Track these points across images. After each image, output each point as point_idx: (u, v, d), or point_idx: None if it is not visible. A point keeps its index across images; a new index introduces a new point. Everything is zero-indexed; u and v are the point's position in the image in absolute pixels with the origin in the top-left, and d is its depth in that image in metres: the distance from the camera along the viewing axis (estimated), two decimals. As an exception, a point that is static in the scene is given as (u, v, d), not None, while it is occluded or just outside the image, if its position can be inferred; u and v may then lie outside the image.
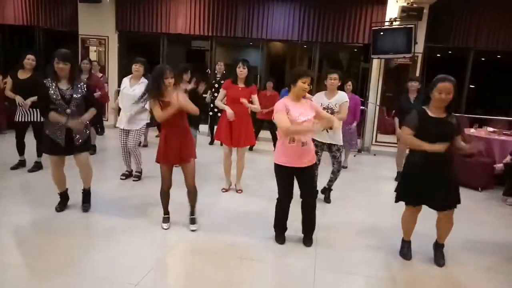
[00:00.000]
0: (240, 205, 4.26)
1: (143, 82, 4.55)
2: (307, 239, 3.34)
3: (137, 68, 4.62)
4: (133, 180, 4.83)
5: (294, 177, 3.23)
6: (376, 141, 7.65)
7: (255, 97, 4.40)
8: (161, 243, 3.28)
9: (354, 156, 7.28)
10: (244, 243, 3.32)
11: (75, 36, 8.50)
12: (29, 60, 4.74)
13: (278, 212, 3.34)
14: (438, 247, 3.19)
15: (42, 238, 3.21)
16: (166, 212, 3.58)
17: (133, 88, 4.60)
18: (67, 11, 8.67)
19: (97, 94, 5.46)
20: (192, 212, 3.56)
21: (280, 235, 3.37)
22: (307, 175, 3.20)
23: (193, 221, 3.55)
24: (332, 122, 3.13)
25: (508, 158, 5.10)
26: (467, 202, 4.82)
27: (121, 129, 4.72)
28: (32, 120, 4.82)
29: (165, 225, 3.52)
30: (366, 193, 5.03)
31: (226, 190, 4.65)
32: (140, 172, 4.91)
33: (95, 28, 8.40)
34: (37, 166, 5.01)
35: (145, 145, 6.76)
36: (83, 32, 8.47)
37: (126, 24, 8.47)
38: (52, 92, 3.37)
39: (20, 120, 4.83)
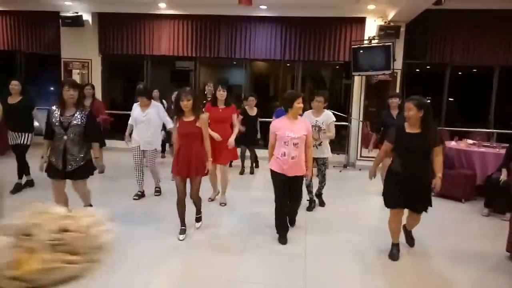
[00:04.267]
0: (235, 218, 4.28)
1: (155, 105, 4.98)
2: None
3: (139, 100, 4.87)
4: (155, 195, 5.15)
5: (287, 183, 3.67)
6: (361, 156, 7.76)
7: (234, 117, 4.72)
8: (156, 254, 3.32)
9: (340, 171, 7.36)
10: (233, 262, 3.31)
11: (58, 60, 8.47)
12: (13, 85, 4.98)
13: (276, 213, 3.79)
14: (407, 232, 3.76)
15: None
16: (182, 223, 3.84)
17: (145, 113, 4.85)
18: (49, 35, 8.65)
19: (100, 118, 5.64)
20: (197, 212, 4.02)
21: (282, 236, 3.79)
22: (294, 183, 3.70)
23: (198, 219, 4.05)
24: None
25: (503, 174, 4.65)
26: (452, 213, 4.94)
27: (137, 148, 4.91)
28: (18, 142, 5.04)
29: (181, 236, 3.78)
30: (353, 209, 5.08)
31: (212, 200, 4.98)
32: (160, 188, 5.25)
33: (78, 51, 8.40)
34: (17, 188, 5.14)
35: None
36: (65, 55, 8.45)
37: (110, 47, 8.49)
38: (53, 117, 3.54)
39: (12, 143, 5.08)
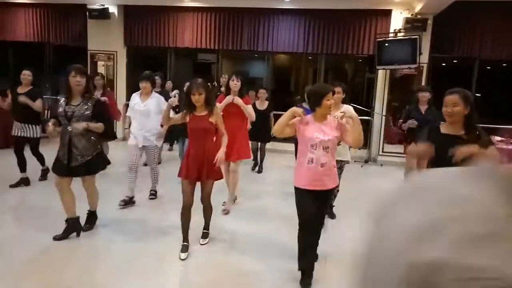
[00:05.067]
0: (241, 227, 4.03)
1: (155, 96, 4.46)
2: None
3: (143, 85, 4.37)
4: (150, 198, 4.67)
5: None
6: (383, 151, 7.65)
7: (249, 107, 4.35)
8: (151, 274, 3.05)
9: (362, 166, 7.29)
10: (244, 272, 3.13)
11: (84, 52, 8.69)
12: (25, 75, 4.82)
13: (300, 242, 2.96)
14: None
15: (44, 261, 3.18)
16: (185, 238, 3.31)
17: (144, 103, 4.37)
18: (77, 27, 8.87)
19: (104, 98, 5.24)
20: (205, 227, 3.58)
21: (305, 275, 2.94)
22: (321, 199, 2.92)
23: (205, 235, 3.57)
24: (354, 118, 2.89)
25: None
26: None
27: (135, 147, 4.38)
28: (28, 136, 4.89)
29: (182, 255, 3.24)
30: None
31: (227, 212, 4.40)
32: (156, 191, 4.75)
33: (104, 43, 8.58)
34: (45, 173, 5.22)
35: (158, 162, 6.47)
36: (92, 47, 8.65)
37: (134, 39, 8.63)
38: (60, 107, 3.35)
39: (16, 134, 4.88)
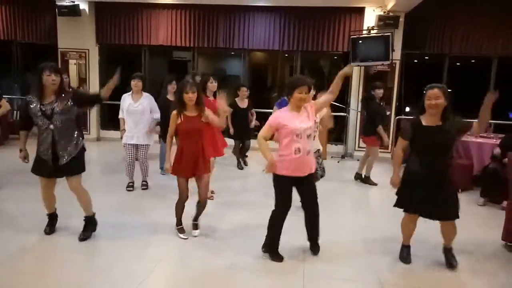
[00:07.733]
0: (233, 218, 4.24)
1: (147, 96, 4.91)
2: (315, 246, 3.34)
3: (135, 83, 4.80)
4: (142, 189, 5.02)
5: (294, 187, 3.17)
6: (359, 147, 7.78)
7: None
8: (151, 255, 3.25)
9: (338, 162, 7.39)
10: (236, 262, 3.20)
11: (54, 50, 8.40)
12: None
13: (275, 225, 3.17)
14: (446, 250, 3.25)
15: (32, 259, 3.13)
16: (179, 222, 3.63)
17: (138, 103, 4.82)
18: (46, 24, 8.57)
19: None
20: (196, 218, 3.67)
21: (276, 253, 3.21)
22: (309, 183, 3.19)
23: (195, 226, 3.66)
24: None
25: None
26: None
27: (129, 144, 4.87)
28: None
29: (182, 235, 3.57)
30: (352, 200, 5.11)
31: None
32: (147, 182, 5.11)
33: (75, 41, 8.32)
34: None
35: None
36: (62, 45, 8.38)
37: (107, 37, 8.42)
38: (33, 107, 3.13)
39: None
